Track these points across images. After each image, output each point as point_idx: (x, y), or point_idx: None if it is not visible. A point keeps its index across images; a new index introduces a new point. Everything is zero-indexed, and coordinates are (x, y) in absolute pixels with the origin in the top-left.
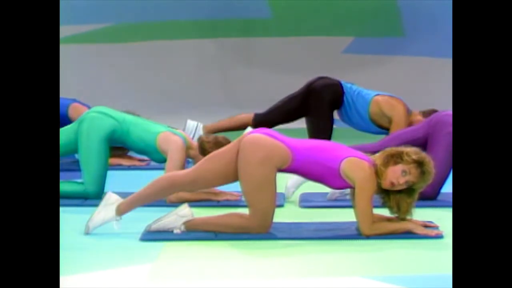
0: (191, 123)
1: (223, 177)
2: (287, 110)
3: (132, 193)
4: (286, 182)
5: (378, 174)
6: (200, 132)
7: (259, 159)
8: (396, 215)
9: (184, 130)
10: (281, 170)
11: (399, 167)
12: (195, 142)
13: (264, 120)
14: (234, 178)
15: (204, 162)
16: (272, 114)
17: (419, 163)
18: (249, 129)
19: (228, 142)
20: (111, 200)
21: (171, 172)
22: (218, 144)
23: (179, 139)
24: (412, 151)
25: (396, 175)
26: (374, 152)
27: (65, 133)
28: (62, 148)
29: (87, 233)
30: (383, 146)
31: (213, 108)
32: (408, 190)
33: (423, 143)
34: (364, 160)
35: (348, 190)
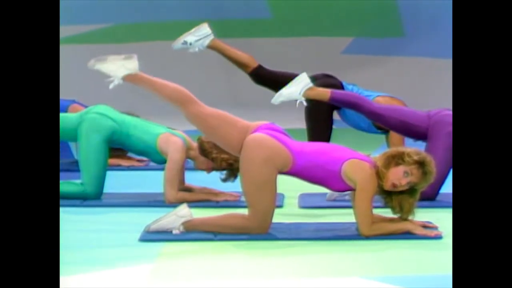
0: (206, 29)
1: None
2: (286, 81)
3: (131, 193)
4: (285, 178)
5: (379, 175)
6: (206, 43)
7: (262, 159)
8: (399, 215)
9: (195, 30)
10: (282, 173)
11: (401, 168)
12: (194, 143)
13: (263, 77)
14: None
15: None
16: (273, 76)
17: (421, 164)
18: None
19: None
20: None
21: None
22: (218, 145)
23: (179, 140)
24: (413, 152)
25: (398, 177)
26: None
27: (65, 121)
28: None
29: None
30: (384, 109)
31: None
32: (410, 190)
33: (422, 134)
34: (365, 161)
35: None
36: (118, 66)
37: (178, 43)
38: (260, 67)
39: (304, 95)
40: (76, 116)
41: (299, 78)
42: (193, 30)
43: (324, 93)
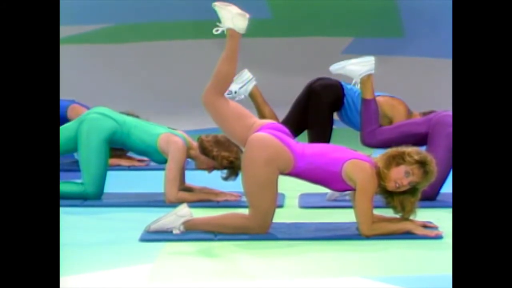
0: (247, 74)
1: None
2: (294, 122)
3: (131, 193)
4: (286, 178)
5: (381, 176)
6: (249, 88)
7: (264, 160)
8: (400, 215)
9: (236, 77)
10: (283, 174)
11: (402, 168)
12: (195, 143)
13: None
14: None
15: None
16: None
17: (422, 163)
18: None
19: (228, 140)
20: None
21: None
22: (218, 143)
23: (180, 139)
24: (414, 151)
25: (399, 177)
26: (373, 145)
27: (65, 131)
28: (62, 146)
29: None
30: (385, 133)
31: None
32: (411, 190)
33: (423, 139)
34: (365, 161)
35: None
36: (230, 17)
37: None
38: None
39: (360, 79)
40: (74, 122)
41: (366, 61)
42: (234, 77)
43: (370, 93)
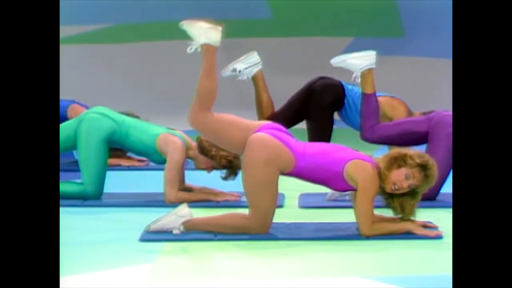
0: (256, 57)
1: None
2: (289, 114)
3: (131, 193)
4: (286, 178)
5: (381, 177)
6: (254, 71)
7: (264, 160)
8: (400, 216)
9: (244, 57)
10: (283, 174)
11: (403, 171)
12: (194, 143)
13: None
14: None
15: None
16: (277, 119)
17: (423, 167)
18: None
19: None
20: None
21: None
22: None
23: (179, 140)
24: (416, 154)
25: (400, 179)
26: (372, 140)
27: (64, 129)
28: (60, 145)
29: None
30: (385, 129)
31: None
32: (411, 192)
33: (423, 137)
34: (367, 162)
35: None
36: (202, 33)
37: (227, 71)
38: (271, 117)
39: (361, 73)
40: (73, 121)
41: (367, 55)
42: (242, 57)
43: (371, 87)
